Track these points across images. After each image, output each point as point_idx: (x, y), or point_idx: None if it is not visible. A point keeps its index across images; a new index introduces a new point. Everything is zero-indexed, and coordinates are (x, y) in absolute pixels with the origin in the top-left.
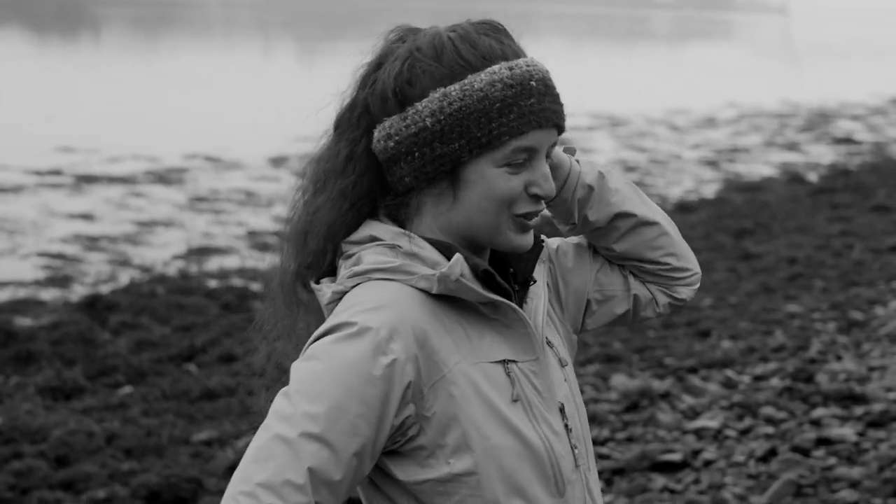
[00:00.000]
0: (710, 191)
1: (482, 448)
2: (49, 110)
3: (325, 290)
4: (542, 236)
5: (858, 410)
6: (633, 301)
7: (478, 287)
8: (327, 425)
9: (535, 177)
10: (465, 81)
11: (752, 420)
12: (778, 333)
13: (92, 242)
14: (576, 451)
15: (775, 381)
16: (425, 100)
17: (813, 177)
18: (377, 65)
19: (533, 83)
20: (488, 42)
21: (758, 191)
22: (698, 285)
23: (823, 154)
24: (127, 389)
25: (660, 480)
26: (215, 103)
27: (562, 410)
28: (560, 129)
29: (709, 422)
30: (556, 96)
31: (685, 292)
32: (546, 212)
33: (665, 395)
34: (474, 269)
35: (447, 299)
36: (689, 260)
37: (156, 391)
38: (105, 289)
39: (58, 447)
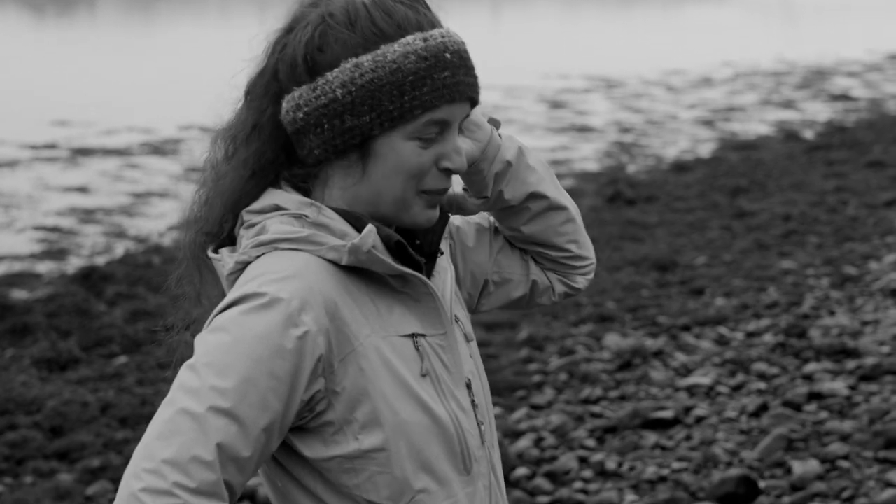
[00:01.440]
0: (705, 150)
1: (392, 423)
2: (44, 84)
3: (226, 259)
4: (447, 210)
5: (850, 364)
6: (530, 286)
7: (389, 259)
8: (236, 399)
9: (446, 150)
10: (378, 52)
11: (745, 376)
12: (771, 290)
13: (87, 215)
14: (482, 428)
15: (768, 338)
16: (336, 70)
17: (809, 134)
18: (289, 29)
19: (448, 55)
20: (403, 11)
21: (753, 149)
22: (593, 275)
23: (820, 111)
24: (122, 359)
25: (651, 437)
26: (210, 74)
27: (468, 386)
28: (474, 101)
29: (701, 378)
30: (471, 69)
31: (581, 281)
32: (457, 189)
33: (658, 354)
34: (386, 241)
35: (356, 271)
36: (588, 249)
37: (150, 360)
38: (101, 260)
39: (52, 418)
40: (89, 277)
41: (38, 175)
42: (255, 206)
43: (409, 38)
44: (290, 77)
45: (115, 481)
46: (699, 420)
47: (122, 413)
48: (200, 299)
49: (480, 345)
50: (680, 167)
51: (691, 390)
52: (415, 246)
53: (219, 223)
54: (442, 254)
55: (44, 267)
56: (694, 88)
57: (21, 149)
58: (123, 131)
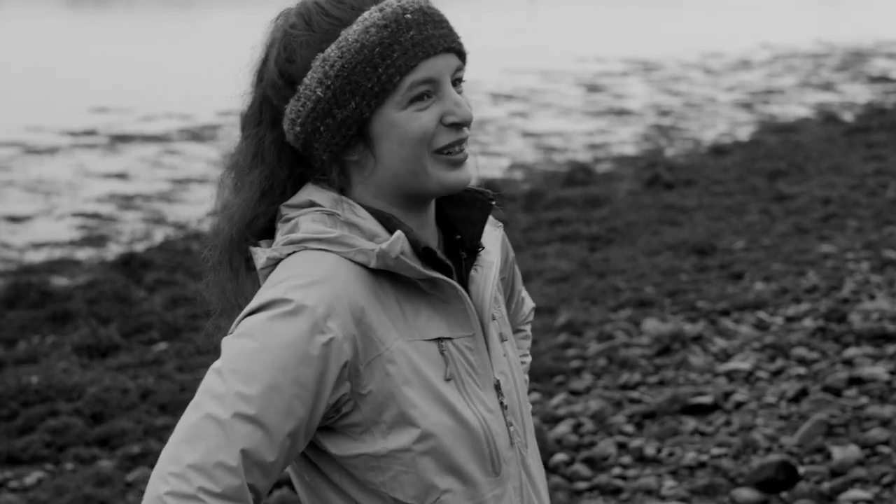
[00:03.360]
0: (744, 133)
1: (418, 426)
2: (83, 71)
3: (260, 254)
4: (492, 196)
5: (891, 349)
6: None
7: (417, 265)
8: (261, 407)
9: (446, 106)
10: (340, 38)
11: (784, 361)
12: (811, 274)
13: (127, 201)
14: (511, 429)
15: (808, 322)
16: (310, 72)
17: (848, 116)
18: (265, 58)
19: (408, 16)
20: None
21: (792, 132)
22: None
23: (859, 93)
24: (162, 346)
25: (690, 423)
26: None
27: (497, 387)
28: (458, 52)
29: (740, 364)
30: (440, 22)
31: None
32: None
33: (697, 339)
34: (414, 246)
35: (384, 273)
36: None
37: (190, 347)
38: (140, 247)
39: (93, 404)
40: (129, 264)
41: (78, 162)
42: (293, 200)
43: (365, 13)
44: (278, 98)
45: None
46: (738, 405)
47: (162, 399)
48: (231, 294)
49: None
50: (718, 150)
51: (730, 375)
52: (455, 241)
53: (239, 240)
54: (482, 248)
55: (84, 254)
56: (732, 71)
57: (61, 136)
58: (162, 118)
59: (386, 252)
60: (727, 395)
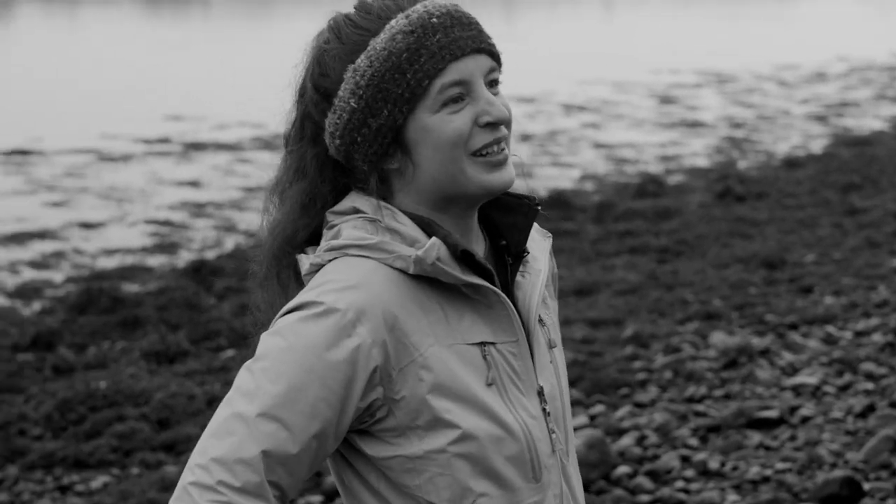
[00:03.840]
0: (817, 146)
1: (455, 430)
2: (159, 79)
3: (304, 260)
4: (538, 201)
5: None
6: None
7: (456, 270)
8: (286, 406)
9: (479, 106)
10: (369, 48)
11: (852, 376)
12: (881, 288)
13: (198, 209)
14: (553, 436)
15: (877, 337)
16: (343, 84)
17: None
18: (304, 74)
19: (434, 20)
20: (381, 2)
21: (867, 145)
22: None
23: None
24: (229, 353)
25: (755, 437)
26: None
27: (540, 394)
28: (490, 53)
29: (808, 378)
30: (469, 24)
31: None
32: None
33: (764, 352)
34: (453, 250)
35: (426, 278)
36: None
37: None
38: (210, 254)
39: (159, 410)
40: (199, 271)
41: (152, 169)
42: (338, 207)
43: (392, 21)
44: (318, 113)
45: None
46: (804, 420)
47: None
48: (275, 304)
49: (585, 342)
50: (791, 163)
51: (797, 390)
52: (501, 247)
53: (280, 259)
54: (528, 253)
55: (155, 261)
56: (807, 83)
57: (135, 143)
58: (235, 126)
59: (422, 258)
60: (793, 409)
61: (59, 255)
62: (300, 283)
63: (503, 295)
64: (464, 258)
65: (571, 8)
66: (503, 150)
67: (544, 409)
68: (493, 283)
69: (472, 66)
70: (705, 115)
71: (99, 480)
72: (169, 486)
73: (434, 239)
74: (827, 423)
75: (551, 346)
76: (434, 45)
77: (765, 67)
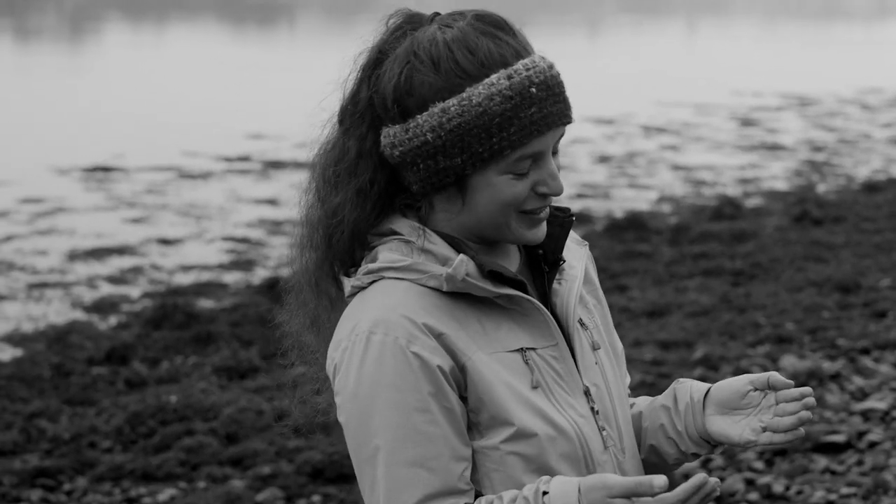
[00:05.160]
0: None
1: (510, 429)
2: (242, 96)
3: (346, 283)
4: (572, 211)
5: None
6: None
7: (486, 284)
8: (397, 448)
9: (542, 177)
10: (464, 95)
11: None
12: None
13: (276, 227)
14: (604, 434)
15: None
16: (425, 113)
17: None
18: (377, 57)
19: (533, 90)
20: (486, 45)
21: None
22: None
23: None
24: (300, 369)
25: (822, 461)
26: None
27: (587, 393)
28: (567, 123)
29: (877, 403)
30: (559, 95)
31: None
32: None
33: (835, 376)
34: (481, 268)
35: (461, 294)
36: None
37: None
38: (286, 272)
39: (228, 425)
40: (273, 288)
41: (231, 187)
42: (377, 229)
43: (494, 77)
44: (384, 112)
45: (285, 488)
46: (872, 445)
47: (297, 422)
48: (314, 325)
49: (654, 363)
50: (871, 187)
51: (866, 415)
52: (537, 256)
53: (345, 253)
54: (564, 261)
55: (231, 277)
56: (890, 107)
57: (216, 161)
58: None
59: (453, 275)
60: (861, 434)
61: (136, 270)
62: (340, 292)
63: (537, 302)
64: (490, 276)
65: (656, 28)
66: (546, 211)
67: (592, 408)
68: (525, 292)
69: (549, 141)
70: (786, 139)
71: (166, 493)
72: (234, 500)
73: (461, 256)
74: (895, 449)
75: (595, 348)
76: (527, 118)
77: (848, 91)
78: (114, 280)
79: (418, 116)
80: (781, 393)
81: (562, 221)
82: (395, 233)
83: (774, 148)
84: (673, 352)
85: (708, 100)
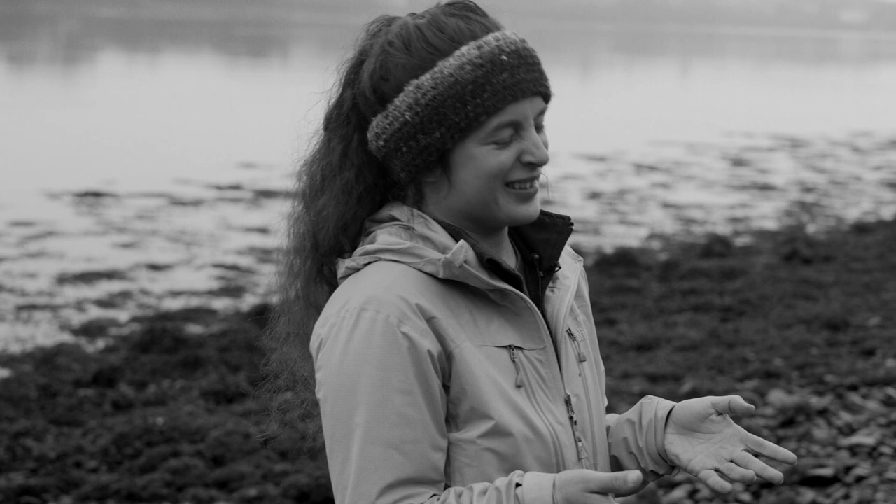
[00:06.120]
0: (888, 212)
1: (488, 423)
2: (234, 126)
3: (340, 264)
4: (572, 219)
5: None
6: None
7: (483, 275)
8: (373, 427)
9: (525, 145)
10: (436, 69)
11: None
12: None
13: (265, 255)
14: (579, 445)
15: None
16: (402, 94)
17: None
18: (359, 61)
19: (504, 58)
20: (455, 23)
21: None
22: None
23: None
24: (287, 395)
25: (808, 494)
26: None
27: (567, 402)
28: (544, 96)
29: (865, 438)
30: (533, 65)
31: None
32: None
33: (822, 412)
34: (480, 257)
35: (455, 284)
36: None
37: (314, 397)
38: (275, 299)
39: (215, 447)
40: (262, 315)
41: (221, 215)
42: (377, 215)
43: (464, 48)
44: (366, 107)
45: None
46: (859, 479)
47: (283, 446)
48: (299, 336)
49: (642, 395)
50: (860, 228)
51: (853, 449)
52: (533, 261)
53: (331, 251)
54: (559, 268)
55: (220, 303)
56: (881, 150)
57: (207, 189)
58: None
59: (450, 261)
60: (848, 468)
61: (125, 294)
62: (332, 287)
63: (530, 301)
64: (490, 267)
65: (649, 68)
66: (535, 185)
67: (571, 418)
68: (520, 289)
69: (527, 109)
70: (777, 179)
71: None
72: None
73: (462, 242)
74: (881, 483)
75: (581, 360)
76: (499, 83)
77: (839, 133)
78: (102, 304)
79: (395, 100)
80: (769, 451)
81: (561, 228)
82: (394, 219)
83: (765, 188)
84: (661, 385)
85: (699, 139)
